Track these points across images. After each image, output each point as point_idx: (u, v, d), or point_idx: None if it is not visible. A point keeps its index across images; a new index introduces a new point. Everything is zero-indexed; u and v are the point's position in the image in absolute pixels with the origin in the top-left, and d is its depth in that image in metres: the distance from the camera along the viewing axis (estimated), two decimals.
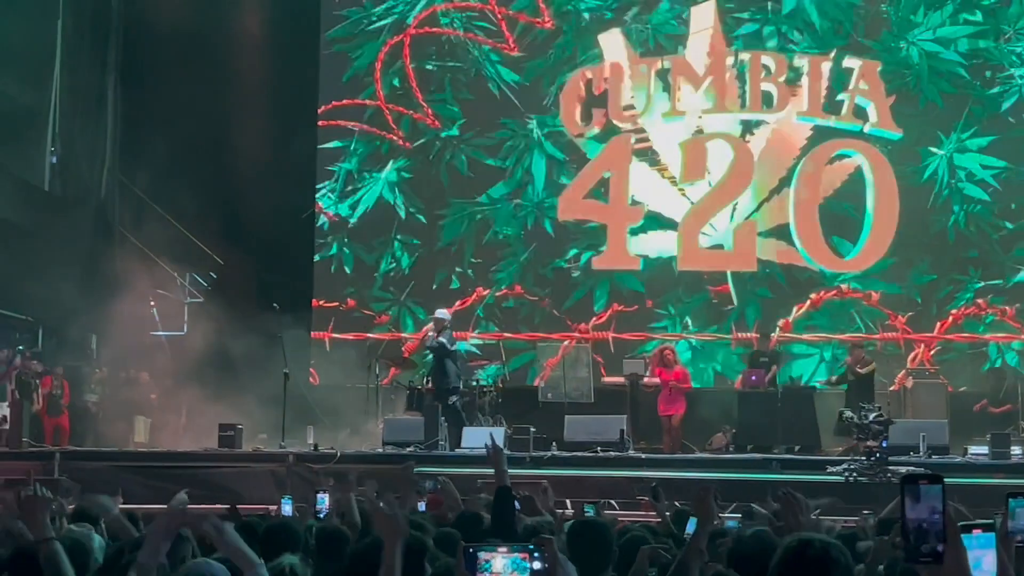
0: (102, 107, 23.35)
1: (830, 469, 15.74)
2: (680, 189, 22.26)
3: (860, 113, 22.02)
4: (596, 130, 22.71)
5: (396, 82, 23.69)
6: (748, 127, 22.24)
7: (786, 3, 22.45)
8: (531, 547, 3.62)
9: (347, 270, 23.47)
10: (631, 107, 22.56)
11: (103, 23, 23.38)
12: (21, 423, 17.87)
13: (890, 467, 15.35)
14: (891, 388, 21.19)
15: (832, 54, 22.07)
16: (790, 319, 22.25)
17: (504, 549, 3.64)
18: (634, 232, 22.50)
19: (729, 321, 22.21)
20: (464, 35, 23.69)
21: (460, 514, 7.35)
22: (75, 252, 20.87)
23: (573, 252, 22.86)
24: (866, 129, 22.01)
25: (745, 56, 22.18)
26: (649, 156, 22.51)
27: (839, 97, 22.11)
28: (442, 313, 19.24)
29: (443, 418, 18.15)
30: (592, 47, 23.02)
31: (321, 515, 8.04)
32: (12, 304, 20.83)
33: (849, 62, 22.07)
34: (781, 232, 22.13)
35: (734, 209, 22.10)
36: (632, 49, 22.57)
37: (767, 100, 22.26)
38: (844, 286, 22.18)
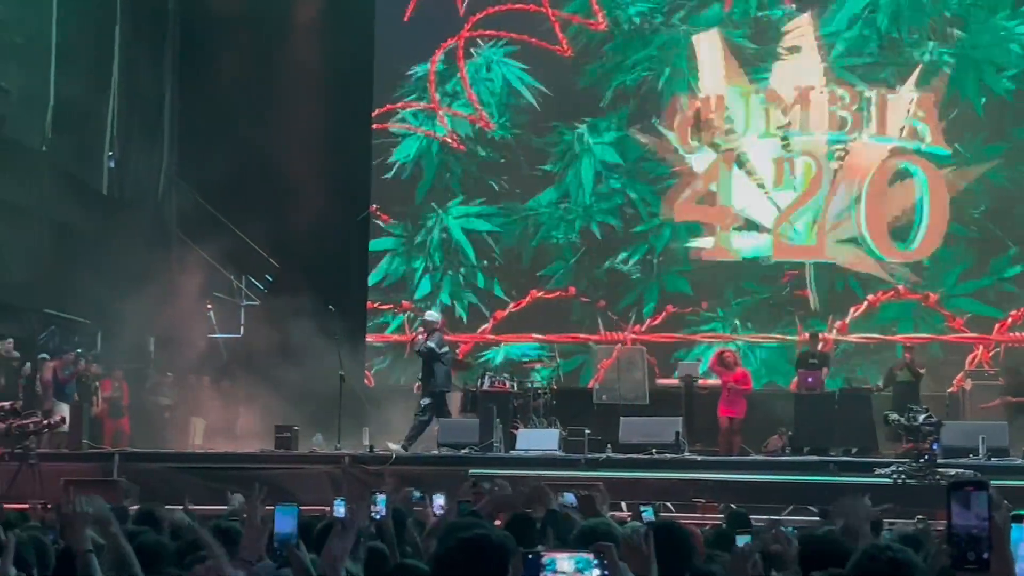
0: (159, 110, 23.57)
1: (878, 471, 15.58)
2: (771, 198, 23.01)
3: (918, 134, 22.68)
4: (705, 147, 23.14)
5: (450, 85, 23.85)
6: (828, 145, 22.87)
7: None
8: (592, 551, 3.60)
9: (401, 272, 23.67)
10: (732, 130, 23.05)
11: (160, 26, 23.59)
12: (81, 425, 18.02)
13: (940, 469, 15.18)
14: (949, 390, 21.07)
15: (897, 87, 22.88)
16: (846, 321, 22.25)
17: (565, 552, 3.63)
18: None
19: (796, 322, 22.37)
20: (517, 37, 23.75)
21: (512, 516, 7.31)
22: (133, 255, 21.03)
23: (623, 255, 22.99)
24: (922, 147, 22.64)
25: (824, 89, 22.89)
26: (747, 168, 23.00)
27: (902, 120, 22.72)
28: (432, 315, 19.15)
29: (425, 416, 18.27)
30: (643, 48, 23.20)
31: (378, 516, 8.03)
32: (71, 307, 21.02)
33: (908, 94, 22.65)
34: (855, 239, 22.64)
35: (815, 213, 22.77)
36: (729, 51, 22.86)
37: (843, 123, 22.89)
38: (901, 287, 22.23)
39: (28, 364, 19.35)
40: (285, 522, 5.63)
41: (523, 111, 23.74)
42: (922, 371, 19.26)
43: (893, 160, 22.70)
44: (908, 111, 22.67)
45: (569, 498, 7.92)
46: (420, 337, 18.63)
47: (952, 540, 2.91)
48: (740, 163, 22.97)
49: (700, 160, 23.20)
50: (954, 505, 2.92)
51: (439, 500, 8.76)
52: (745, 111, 23.09)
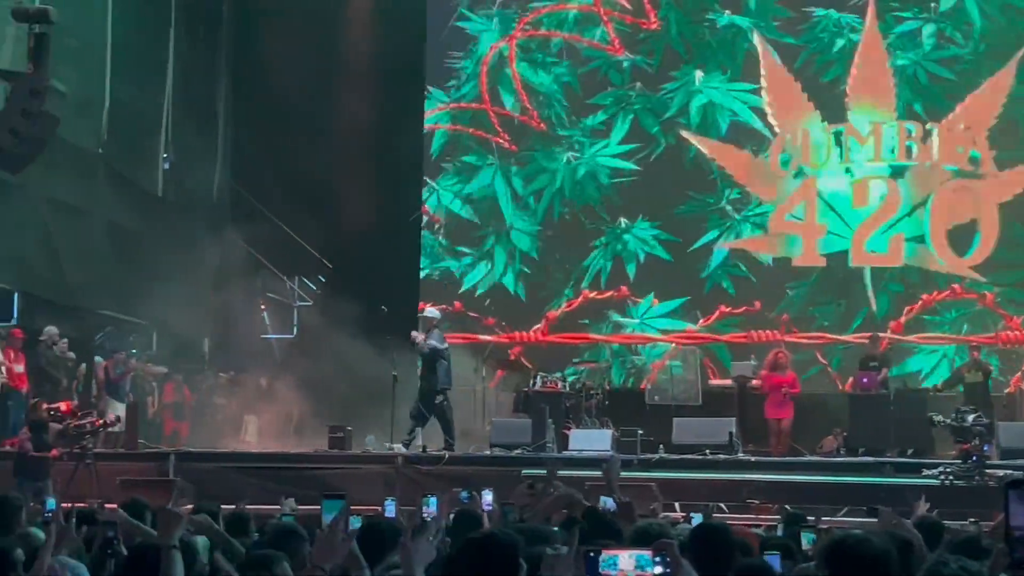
0: (213, 112, 23.72)
1: (926, 472, 15.40)
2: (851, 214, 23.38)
3: (974, 160, 23.05)
4: (791, 173, 23.43)
5: (501, 85, 23.89)
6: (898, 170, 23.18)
7: (944, 1, 22.95)
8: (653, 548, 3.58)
9: (453, 273, 23.77)
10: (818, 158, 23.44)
11: (214, 28, 23.75)
12: (137, 425, 18.14)
13: (988, 470, 14.99)
14: (1007, 391, 20.87)
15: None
16: (902, 320, 22.17)
17: (626, 549, 3.61)
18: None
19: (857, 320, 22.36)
20: (568, 38, 23.75)
21: (568, 516, 7.29)
22: (187, 256, 21.17)
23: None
24: (979, 171, 23.01)
25: (893, 124, 23.31)
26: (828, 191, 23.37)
27: (959, 149, 23.09)
28: (431, 311, 19.07)
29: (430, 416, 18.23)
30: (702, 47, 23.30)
31: (429, 519, 8.02)
32: (127, 308, 21.19)
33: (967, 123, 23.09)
34: (920, 240, 22.97)
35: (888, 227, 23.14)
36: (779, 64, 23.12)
37: (908, 152, 23.19)
38: (957, 286, 22.22)
39: (83, 365, 19.54)
40: (332, 515, 5.71)
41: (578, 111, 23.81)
42: (992, 369, 19.08)
43: (953, 181, 23.01)
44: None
45: (608, 503, 7.88)
46: (420, 335, 18.60)
47: (1012, 540, 2.85)
48: (821, 192, 23.40)
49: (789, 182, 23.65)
50: (1013, 505, 2.86)
51: (487, 496, 8.76)
52: (826, 143, 23.43)
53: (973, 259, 22.75)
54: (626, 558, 3.58)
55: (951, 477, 14.99)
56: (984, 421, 16.02)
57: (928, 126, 23.09)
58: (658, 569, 3.57)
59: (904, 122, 23.24)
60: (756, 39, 23.29)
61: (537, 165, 23.78)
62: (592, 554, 3.60)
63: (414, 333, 18.79)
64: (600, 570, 3.56)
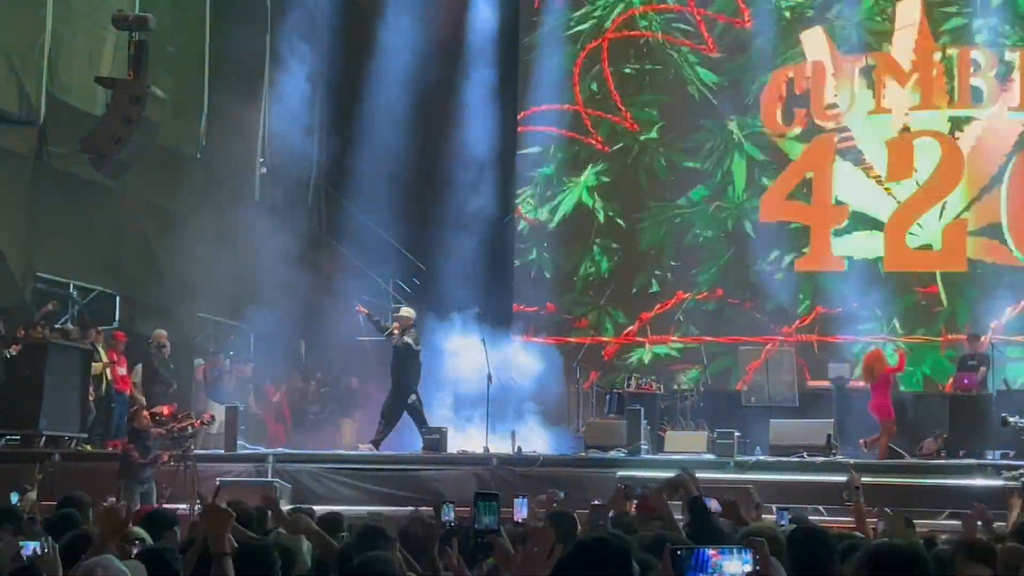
0: (309, 117, 23.91)
1: (1005, 474, 15.10)
2: (886, 188, 22.12)
3: None
4: (798, 130, 22.59)
5: (594, 87, 23.80)
6: (957, 123, 21.77)
7: None
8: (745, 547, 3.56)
9: (546, 275, 23.68)
10: (834, 106, 22.29)
11: (310, 35, 23.97)
12: (236, 426, 18.33)
13: None
14: None
15: None
16: (1002, 320, 21.62)
17: (717, 549, 3.58)
18: (838, 233, 22.23)
19: (939, 323, 21.71)
20: (662, 37, 23.62)
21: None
22: (283, 260, 21.39)
23: (775, 253, 22.67)
24: None
25: (953, 51, 21.93)
26: (853, 155, 22.35)
27: None
28: (408, 311, 19.03)
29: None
30: (793, 45, 22.83)
31: (519, 520, 8.00)
32: (224, 311, 21.44)
33: None
34: (992, 231, 21.72)
35: (943, 208, 21.83)
36: (835, 47, 22.30)
37: (977, 96, 21.87)
38: None
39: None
40: (487, 516, 5.80)
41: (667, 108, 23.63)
42: None
43: None
44: None
45: (710, 504, 7.81)
46: (396, 331, 18.61)
47: None
48: (845, 149, 22.24)
49: (792, 146, 22.65)
50: None
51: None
52: (851, 83, 22.26)
53: None
54: (733, 563, 3.56)
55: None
56: None
57: (1007, 57, 21.48)
58: (747, 567, 3.55)
59: (971, 49, 21.48)
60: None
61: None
62: (679, 552, 3.57)
63: (360, 307, 19.18)
64: (701, 571, 3.53)
